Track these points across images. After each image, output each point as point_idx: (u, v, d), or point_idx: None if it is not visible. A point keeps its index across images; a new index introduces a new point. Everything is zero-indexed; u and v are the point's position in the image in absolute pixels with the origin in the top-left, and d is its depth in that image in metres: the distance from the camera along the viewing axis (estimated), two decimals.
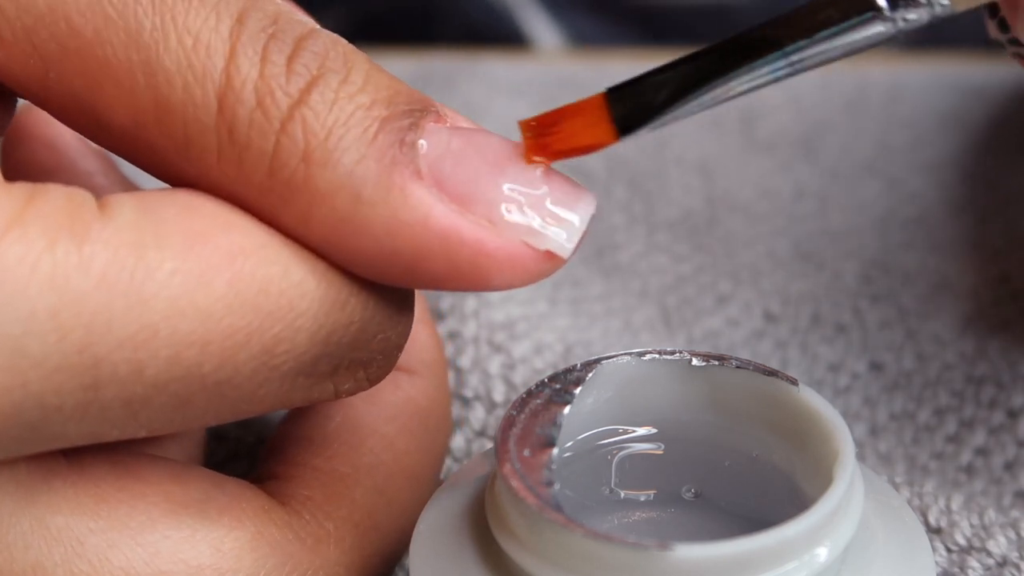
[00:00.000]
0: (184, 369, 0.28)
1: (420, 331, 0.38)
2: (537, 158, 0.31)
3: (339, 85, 0.29)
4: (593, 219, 0.31)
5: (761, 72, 0.30)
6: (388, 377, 0.37)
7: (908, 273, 0.49)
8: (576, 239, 0.30)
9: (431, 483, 0.36)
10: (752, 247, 0.51)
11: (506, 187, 0.30)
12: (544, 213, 0.30)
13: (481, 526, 0.31)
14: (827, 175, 0.54)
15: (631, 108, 0.31)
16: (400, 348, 0.32)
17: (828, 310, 0.48)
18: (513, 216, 0.30)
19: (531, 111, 0.59)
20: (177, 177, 0.30)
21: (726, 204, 0.53)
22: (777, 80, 0.30)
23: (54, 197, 0.28)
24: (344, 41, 0.30)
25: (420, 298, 0.39)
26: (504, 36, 0.69)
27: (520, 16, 0.70)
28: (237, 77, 0.29)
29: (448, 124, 0.30)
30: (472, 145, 0.30)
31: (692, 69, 0.30)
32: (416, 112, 0.30)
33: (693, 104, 0.30)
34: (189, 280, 0.28)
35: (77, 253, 0.27)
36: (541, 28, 0.70)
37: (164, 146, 0.29)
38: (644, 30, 0.69)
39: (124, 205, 0.28)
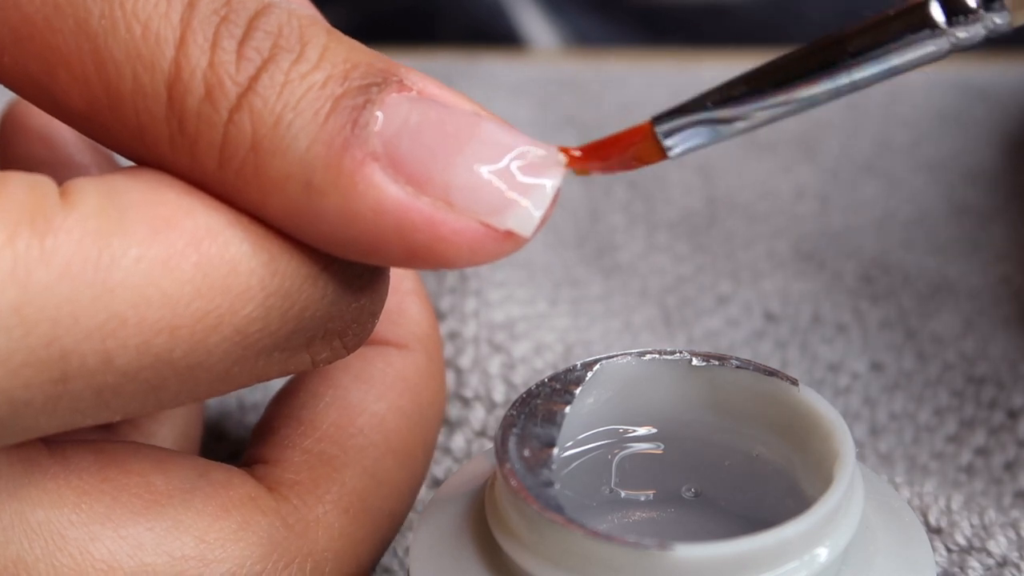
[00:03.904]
0: (154, 356, 0.28)
1: (411, 304, 0.38)
2: (574, 165, 0.30)
3: (291, 65, 0.29)
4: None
5: (809, 92, 0.30)
6: (378, 353, 0.36)
7: (908, 273, 0.49)
8: (538, 218, 0.29)
9: (423, 463, 0.36)
10: (752, 247, 0.51)
11: (465, 166, 0.29)
12: (505, 191, 0.29)
13: (481, 526, 0.31)
14: (827, 175, 0.54)
15: (669, 109, 0.30)
16: (376, 315, 0.31)
17: (828, 310, 0.48)
18: (472, 196, 0.29)
19: (531, 111, 0.59)
20: (139, 160, 0.30)
21: (726, 204, 0.53)
22: (826, 101, 0.30)
23: (13, 188, 0.28)
24: (302, 13, 0.30)
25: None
26: (500, 35, 0.69)
27: (516, 15, 0.70)
28: (186, 67, 0.28)
29: (414, 92, 0.29)
30: (432, 120, 0.29)
31: (738, 82, 0.30)
32: (374, 86, 0.29)
33: (739, 114, 0.30)
34: (155, 266, 0.28)
35: (39, 245, 0.27)
36: (537, 27, 0.69)
37: (120, 132, 0.29)
38: (644, 29, 0.69)
39: (87, 192, 0.28)
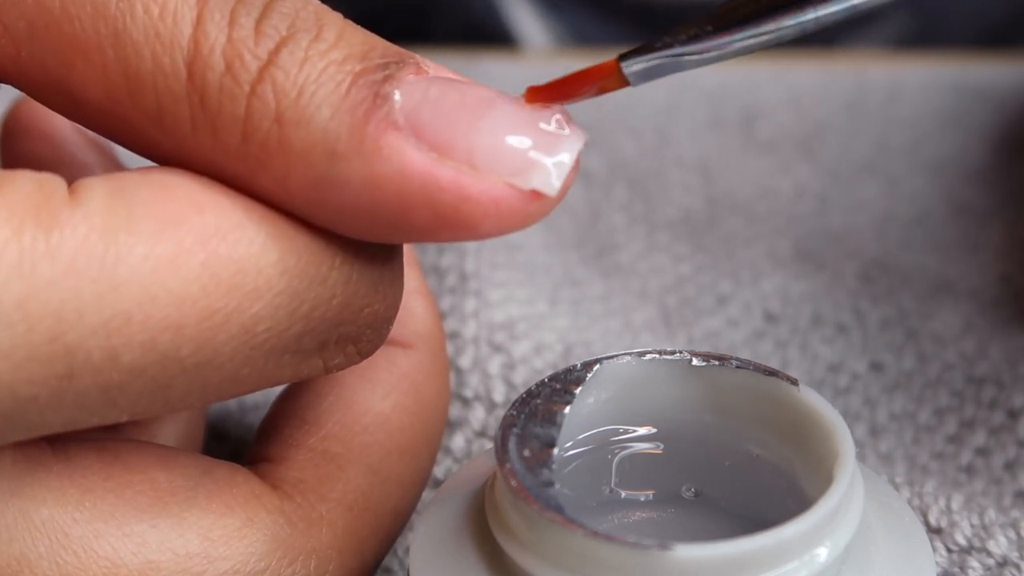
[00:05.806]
0: (160, 354, 0.28)
1: (415, 303, 0.38)
2: (536, 100, 0.30)
3: (310, 43, 0.29)
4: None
5: (775, 26, 0.30)
6: (382, 352, 0.36)
7: (908, 273, 0.49)
8: (563, 177, 0.30)
9: (428, 461, 0.36)
10: (752, 247, 0.51)
11: (487, 131, 0.29)
12: (529, 152, 0.29)
13: (481, 526, 0.31)
14: (827, 175, 0.54)
15: (635, 47, 0.31)
16: (390, 321, 0.32)
17: (828, 310, 0.48)
18: (495, 158, 0.29)
19: None
20: (155, 151, 0.30)
21: (726, 204, 0.53)
22: (792, 37, 0.30)
23: (21, 184, 0.28)
24: (316, 1, 0.30)
25: (414, 268, 0.39)
26: (494, 34, 0.69)
27: (510, 14, 0.69)
28: (205, 43, 0.29)
29: (430, 75, 0.30)
30: (452, 91, 0.30)
31: (704, 20, 0.30)
32: (392, 65, 0.29)
33: (705, 50, 0.30)
34: (161, 264, 0.28)
35: (44, 240, 0.27)
36: (531, 26, 0.69)
37: (138, 119, 0.29)
38: (638, 28, 0.69)
39: (96, 189, 0.28)
